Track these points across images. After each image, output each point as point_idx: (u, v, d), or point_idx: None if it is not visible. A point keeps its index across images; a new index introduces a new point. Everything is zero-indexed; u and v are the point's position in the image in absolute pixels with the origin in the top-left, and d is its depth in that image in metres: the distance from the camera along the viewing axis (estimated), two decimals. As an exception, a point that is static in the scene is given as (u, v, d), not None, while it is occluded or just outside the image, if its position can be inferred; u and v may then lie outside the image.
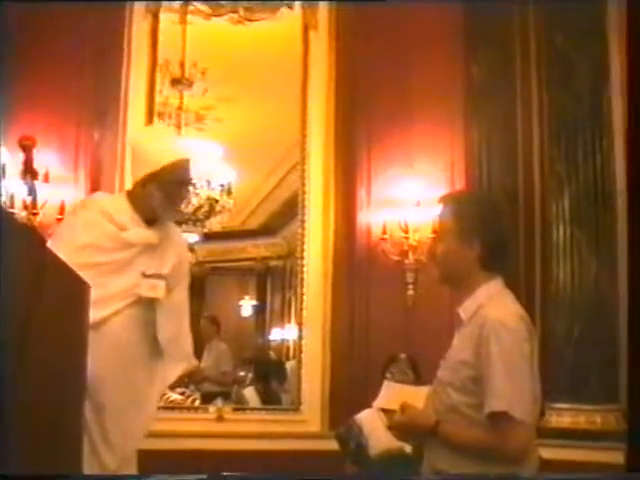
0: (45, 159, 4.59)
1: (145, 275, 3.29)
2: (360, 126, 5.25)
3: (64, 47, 4.90)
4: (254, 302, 7.16)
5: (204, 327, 6.46)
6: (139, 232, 3.34)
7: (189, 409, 5.12)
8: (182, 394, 5.50)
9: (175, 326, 3.43)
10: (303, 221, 5.28)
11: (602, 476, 2.45)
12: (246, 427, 5.04)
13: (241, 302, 7.17)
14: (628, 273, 2.40)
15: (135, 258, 3.32)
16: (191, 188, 5.98)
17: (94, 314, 2.90)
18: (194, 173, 5.84)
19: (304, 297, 5.21)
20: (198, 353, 6.24)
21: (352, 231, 5.20)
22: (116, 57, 5.04)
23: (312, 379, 5.11)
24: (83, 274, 3.00)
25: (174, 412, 5.10)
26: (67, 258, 2.78)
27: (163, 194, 3.29)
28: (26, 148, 2.98)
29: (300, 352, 5.21)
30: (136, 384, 3.33)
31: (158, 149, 3.33)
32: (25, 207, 4.51)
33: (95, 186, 4.86)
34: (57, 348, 2.87)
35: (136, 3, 5.17)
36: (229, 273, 7.45)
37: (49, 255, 2.90)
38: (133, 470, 3.41)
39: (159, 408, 4.99)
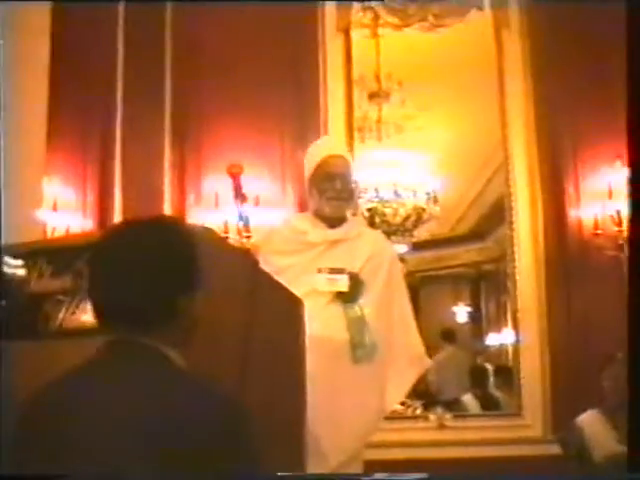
0: (255, 184, 4.79)
1: (325, 271, 3.37)
2: (562, 120, 5.10)
3: (264, 73, 5.09)
4: (469, 308, 7.10)
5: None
6: (319, 232, 3.46)
7: (409, 418, 5.13)
8: (402, 404, 5.51)
9: (386, 325, 3.46)
10: (511, 222, 5.19)
11: (602, 476, 2.27)
12: (467, 434, 5.00)
13: (455, 308, 7.13)
14: (629, 269, 2.21)
15: (319, 257, 3.41)
16: (394, 197, 6.08)
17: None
18: (400, 184, 6.05)
19: (518, 300, 5.13)
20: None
21: (562, 228, 5.05)
22: (313, 77, 5.17)
23: (532, 383, 4.99)
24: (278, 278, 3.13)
25: (395, 422, 5.13)
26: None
27: (319, 192, 3.43)
28: (235, 175, 3.11)
29: (518, 355, 5.12)
30: (349, 390, 3.36)
31: (313, 155, 3.49)
32: (238, 231, 4.69)
33: (303, 205, 4.98)
34: (277, 363, 2.97)
35: (327, 22, 5.29)
36: (442, 281, 7.43)
37: (262, 275, 3.02)
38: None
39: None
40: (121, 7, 5.22)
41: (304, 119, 5.08)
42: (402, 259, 6.57)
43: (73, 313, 2.74)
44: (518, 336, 5.12)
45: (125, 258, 1.70)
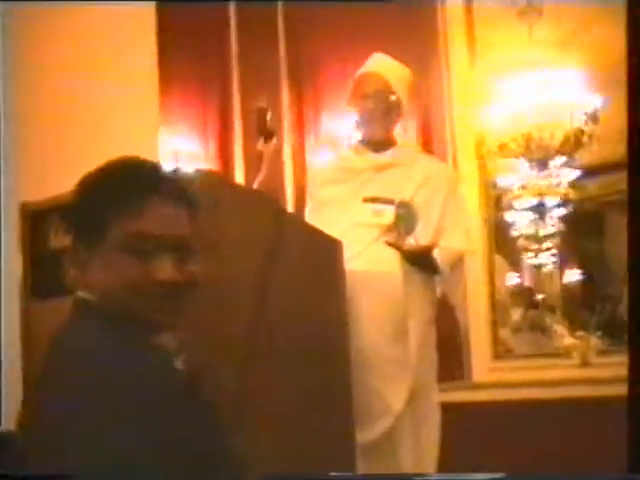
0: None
1: (370, 200, 3.20)
2: None
3: (378, 9, 4.90)
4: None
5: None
6: (363, 157, 3.27)
7: (549, 356, 4.87)
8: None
9: None
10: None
11: (602, 476, 2.09)
12: (612, 371, 4.65)
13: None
14: (628, 262, 1.96)
15: (365, 185, 3.24)
16: (550, 119, 5.67)
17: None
18: (556, 105, 5.64)
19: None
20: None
21: None
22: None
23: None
24: (321, 211, 3.01)
25: (533, 360, 4.89)
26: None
27: (357, 112, 3.26)
28: (260, 111, 3.03)
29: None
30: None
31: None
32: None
33: (426, 140, 4.79)
34: (310, 306, 2.91)
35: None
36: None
37: (287, 218, 2.94)
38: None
39: (518, 357, 4.86)
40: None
41: (420, 48, 4.85)
42: (575, 185, 6.19)
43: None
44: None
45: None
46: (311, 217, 3.27)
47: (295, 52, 5.00)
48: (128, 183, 1.60)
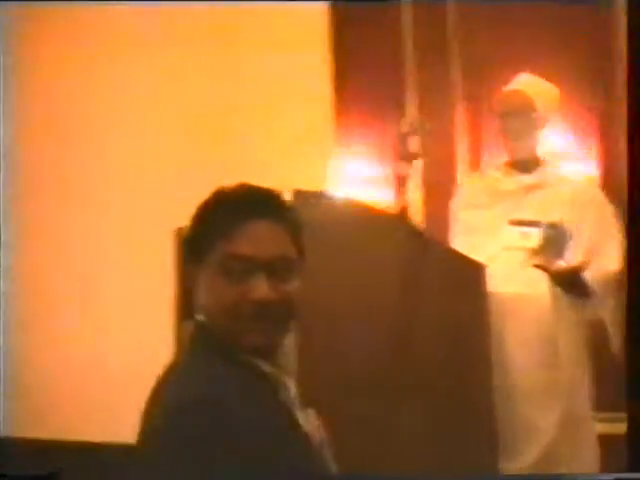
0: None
1: (516, 223, 3.10)
2: None
3: (551, 29, 4.77)
4: None
5: None
6: (511, 178, 3.18)
7: None
8: None
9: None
10: None
11: (602, 476, 1.89)
12: None
13: None
14: (627, 263, 1.81)
15: (513, 208, 3.15)
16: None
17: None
18: None
19: None
20: None
21: None
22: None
23: None
24: (467, 235, 2.97)
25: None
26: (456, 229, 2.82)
27: (500, 133, 3.17)
28: (403, 137, 3.02)
29: None
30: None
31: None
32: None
33: (608, 159, 4.60)
34: (449, 330, 2.90)
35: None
36: None
37: (426, 244, 2.94)
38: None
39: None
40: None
41: (598, 60, 4.66)
42: None
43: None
44: None
45: None
46: (456, 241, 3.24)
47: (471, 72, 4.90)
48: (227, 207, 1.65)
